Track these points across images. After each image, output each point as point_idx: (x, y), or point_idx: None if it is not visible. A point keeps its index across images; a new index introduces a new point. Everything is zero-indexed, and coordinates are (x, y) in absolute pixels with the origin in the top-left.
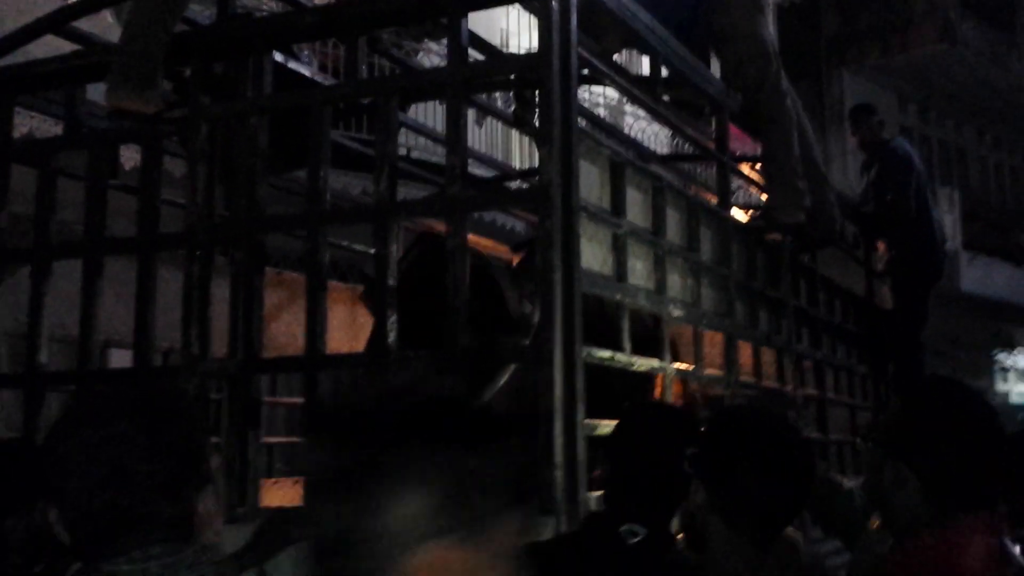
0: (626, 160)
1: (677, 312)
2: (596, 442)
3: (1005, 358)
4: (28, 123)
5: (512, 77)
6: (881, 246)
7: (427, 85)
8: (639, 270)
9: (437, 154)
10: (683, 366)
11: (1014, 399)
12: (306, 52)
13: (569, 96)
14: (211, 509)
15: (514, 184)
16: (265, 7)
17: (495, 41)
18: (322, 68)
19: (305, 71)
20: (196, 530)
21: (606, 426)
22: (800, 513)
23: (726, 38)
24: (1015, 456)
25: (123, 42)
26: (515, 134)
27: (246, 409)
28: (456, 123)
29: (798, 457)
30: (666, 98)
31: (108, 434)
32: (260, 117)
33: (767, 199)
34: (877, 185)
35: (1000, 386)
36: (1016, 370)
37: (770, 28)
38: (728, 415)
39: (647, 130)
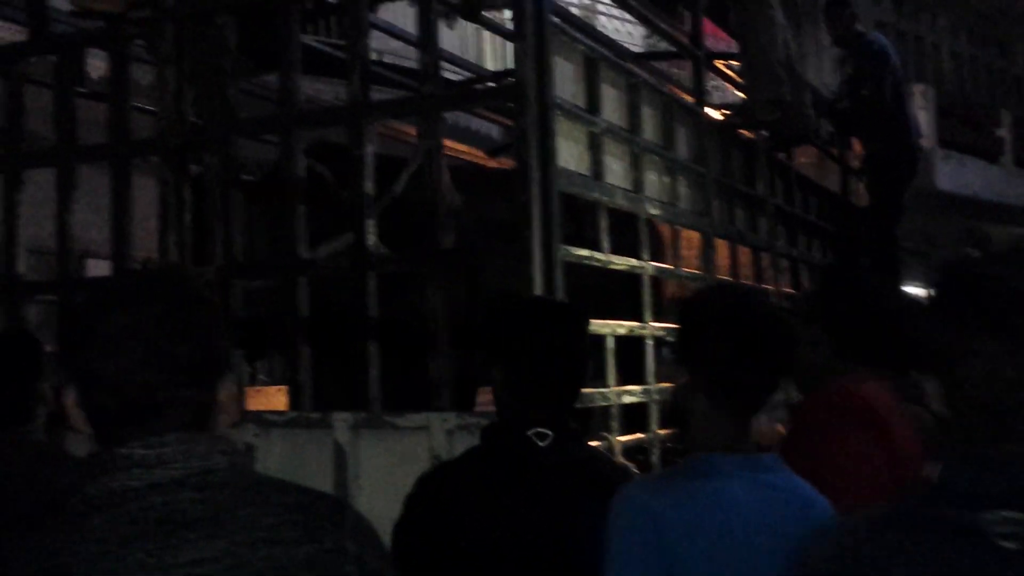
0: (601, 56)
1: (654, 211)
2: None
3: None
4: None
5: None
6: (856, 143)
7: None
8: (615, 169)
9: (409, 59)
10: (662, 265)
11: None
12: None
13: None
14: (230, 396)
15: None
16: None
17: None
18: None
19: None
20: (214, 418)
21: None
22: (778, 385)
23: None
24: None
25: None
26: (488, 35)
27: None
28: (427, 22)
29: (773, 328)
30: None
31: (142, 316)
32: (227, 16)
33: (744, 96)
34: (852, 80)
35: None
36: None
37: None
38: (701, 294)
39: (620, 30)
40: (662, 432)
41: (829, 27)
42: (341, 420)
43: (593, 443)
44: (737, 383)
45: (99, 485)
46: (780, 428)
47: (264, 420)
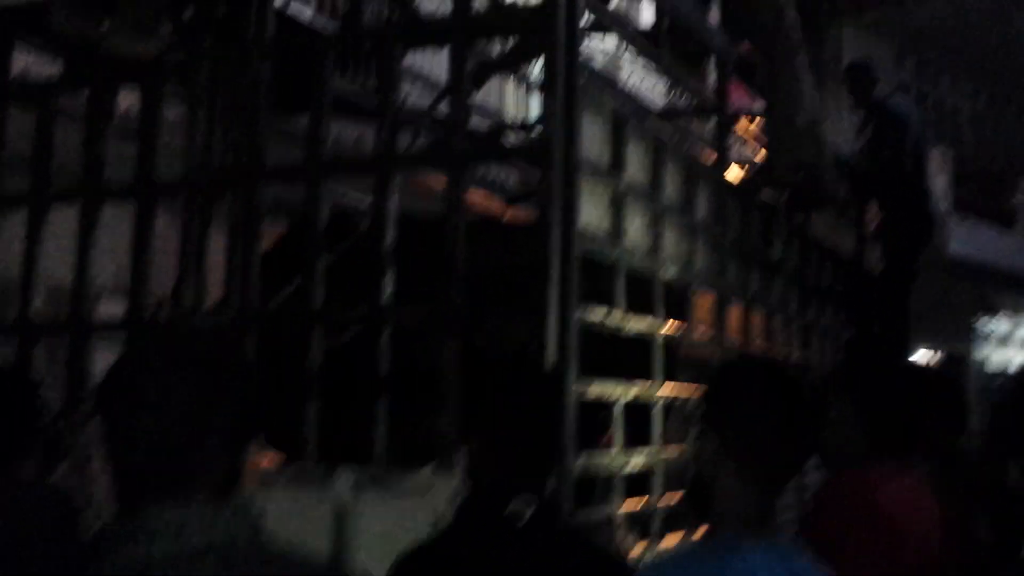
0: (628, 114)
1: (672, 271)
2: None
3: (986, 323)
4: (24, 59)
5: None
6: (872, 207)
7: (431, 33)
8: (636, 228)
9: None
10: (676, 327)
11: (993, 365)
12: None
13: (574, 48)
14: (256, 461)
15: (510, 135)
16: None
17: None
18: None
19: (304, 15)
20: (239, 483)
21: (599, 386)
22: (807, 460)
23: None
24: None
25: None
26: (509, 83)
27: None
28: (459, 73)
29: (806, 404)
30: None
31: (182, 378)
32: (262, 61)
33: (766, 156)
34: (873, 143)
35: (980, 352)
36: (997, 336)
37: None
38: (735, 363)
39: (644, 83)
40: (666, 498)
41: (850, 91)
42: (343, 477)
43: (590, 514)
44: (770, 454)
45: (121, 557)
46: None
47: (264, 477)
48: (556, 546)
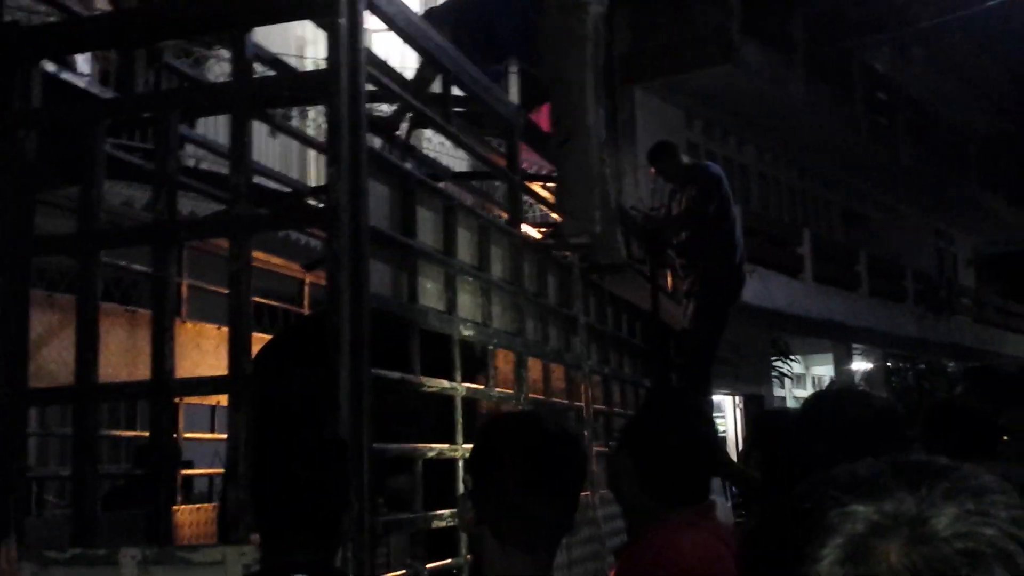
0: (417, 179)
1: (468, 332)
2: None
3: (782, 365)
4: None
5: (300, 93)
6: (677, 265)
7: (212, 100)
8: (430, 290)
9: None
10: (474, 386)
11: (789, 403)
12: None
13: (358, 114)
14: (7, 563)
15: (309, 201)
16: (40, 13)
17: (291, 49)
18: (105, 76)
19: (79, 82)
20: None
21: (395, 449)
22: (572, 520)
23: (540, 64)
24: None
25: None
26: (310, 151)
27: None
28: (240, 141)
29: (566, 460)
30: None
31: None
32: (27, 130)
33: (559, 220)
34: (698, 201)
35: (777, 391)
36: (792, 376)
37: (586, 54)
38: (491, 425)
39: (445, 143)
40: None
41: (657, 171)
42: (129, 556)
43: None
44: (527, 518)
45: None
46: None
47: (43, 558)
48: None
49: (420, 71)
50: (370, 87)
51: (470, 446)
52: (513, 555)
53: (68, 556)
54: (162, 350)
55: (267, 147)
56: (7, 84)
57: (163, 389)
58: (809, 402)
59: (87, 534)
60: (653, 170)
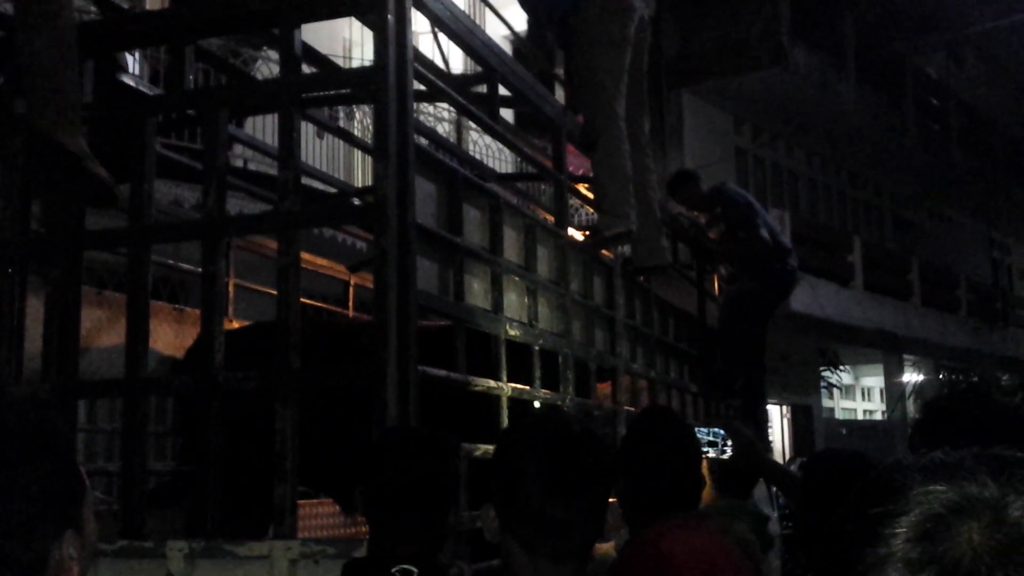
0: (464, 177)
1: (513, 331)
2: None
3: (831, 375)
4: None
5: (349, 91)
6: (725, 271)
7: (259, 97)
8: (476, 289)
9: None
10: (519, 386)
11: (838, 414)
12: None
13: (405, 112)
14: (70, 556)
15: (355, 201)
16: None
17: (337, 51)
18: (155, 75)
19: (128, 80)
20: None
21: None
22: (600, 526)
23: (574, 68)
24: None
25: None
26: (356, 151)
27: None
28: (288, 137)
29: (590, 462)
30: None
31: None
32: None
33: (597, 218)
34: (727, 229)
35: (826, 402)
36: (841, 386)
37: (623, 58)
38: (512, 427)
39: (491, 146)
40: None
41: (681, 203)
42: (176, 549)
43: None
44: (552, 524)
45: None
46: None
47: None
48: None
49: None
50: (417, 86)
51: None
52: (540, 564)
53: (116, 548)
54: (212, 345)
55: (314, 149)
56: None
57: (212, 384)
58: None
59: (135, 527)
60: (678, 203)
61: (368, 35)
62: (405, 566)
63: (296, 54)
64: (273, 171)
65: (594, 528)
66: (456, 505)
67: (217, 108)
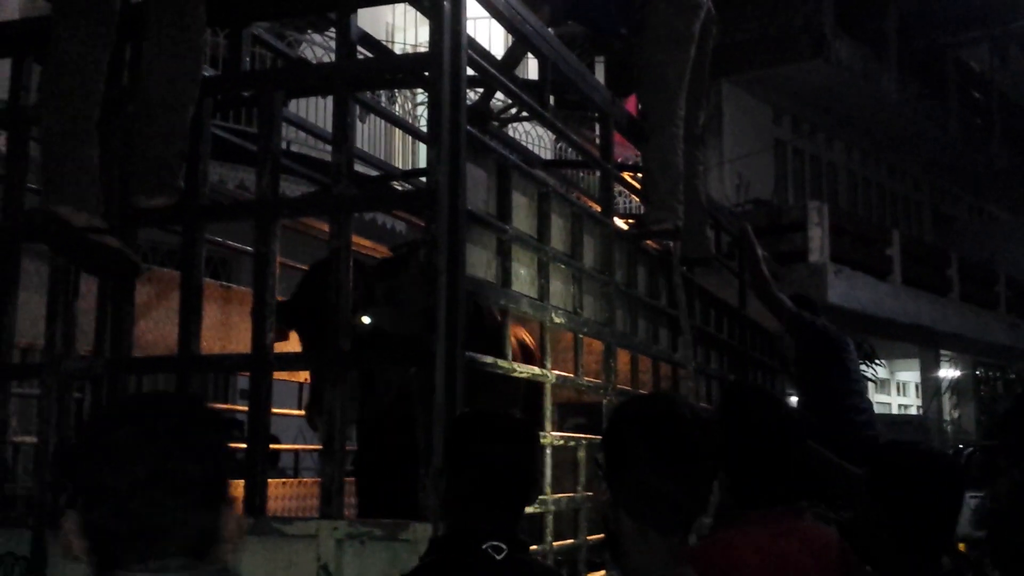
0: (513, 164)
1: (559, 319)
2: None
3: (866, 369)
4: None
5: (401, 76)
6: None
7: (315, 80)
8: (523, 276)
9: (316, 148)
10: (564, 373)
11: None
12: None
13: (459, 98)
14: (234, 527)
15: (397, 184)
16: None
17: (380, 36)
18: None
19: None
20: (217, 546)
21: None
22: (706, 502)
23: (638, 60)
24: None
25: None
26: (397, 132)
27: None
28: (343, 120)
29: (700, 442)
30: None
31: (151, 432)
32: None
33: (644, 209)
34: (799, 364)
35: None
36: (876, 380)
37: (688, 54)
38: (624, 406)
39: (532, 133)
40: (589, 539)
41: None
42: (325, 531)
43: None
44: (662, 498)
45: None
46: None
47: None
48: None
49: (510, 51)
50: (469, 72)
51: (558, 433)
52: (649, 536)
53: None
54: (262, 325)
55: (356, 132)
56: (117, 60)
57: (262, 362)
58: None
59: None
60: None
61: (410, 20)
62: (496, 543)
63: (352, 39)
64: (315, 153)
65: (700, 504)
66: (536, 484)
67: (273, 90)
